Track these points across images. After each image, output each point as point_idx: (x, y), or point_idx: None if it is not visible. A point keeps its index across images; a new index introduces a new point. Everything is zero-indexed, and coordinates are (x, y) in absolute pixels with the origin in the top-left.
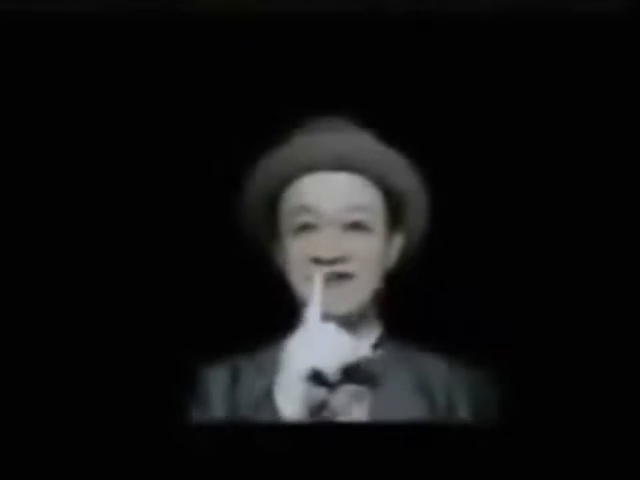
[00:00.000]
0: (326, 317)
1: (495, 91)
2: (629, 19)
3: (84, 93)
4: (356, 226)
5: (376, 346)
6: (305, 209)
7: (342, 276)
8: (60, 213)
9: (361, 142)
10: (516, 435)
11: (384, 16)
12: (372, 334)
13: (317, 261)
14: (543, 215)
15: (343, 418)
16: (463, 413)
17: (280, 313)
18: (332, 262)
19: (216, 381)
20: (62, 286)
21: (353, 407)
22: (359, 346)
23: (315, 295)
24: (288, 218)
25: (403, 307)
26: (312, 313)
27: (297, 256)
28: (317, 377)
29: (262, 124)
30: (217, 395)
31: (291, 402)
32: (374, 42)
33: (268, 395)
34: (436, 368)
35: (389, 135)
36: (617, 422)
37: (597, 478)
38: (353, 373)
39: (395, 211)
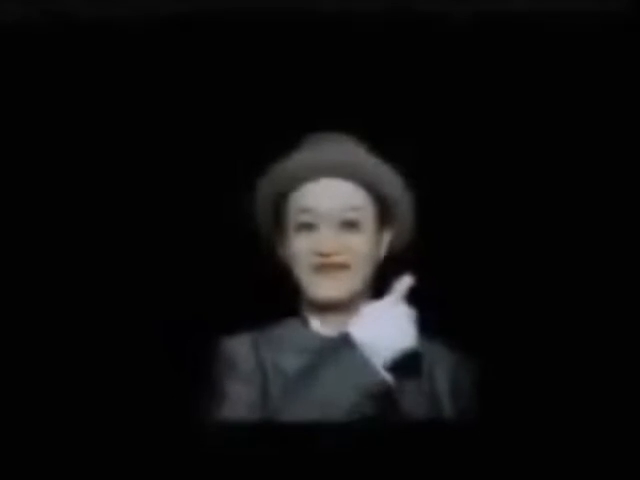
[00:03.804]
0: (325, 301)
1: (495, 92)
2: (629, 19)
3: (92, 99)
4: (350, 224)
5: None
6: (307, 210)
7: (338, 266)
8: (67, 209)
9: (355, 153)
10: (495, 431)
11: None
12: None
13: (318, 254)
14: (525, 209)
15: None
16: (441, 386)
17: (283, 298)
18: (330, 255)
19: (240, 345)
20: (76, 278)
21: None
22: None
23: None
24: (293, 217)
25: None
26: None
27: (301, 249)
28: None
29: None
30: (244, 357)
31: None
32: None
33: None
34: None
35: (378, 146)
36: (602, 419)
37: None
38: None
39: (383, 212)
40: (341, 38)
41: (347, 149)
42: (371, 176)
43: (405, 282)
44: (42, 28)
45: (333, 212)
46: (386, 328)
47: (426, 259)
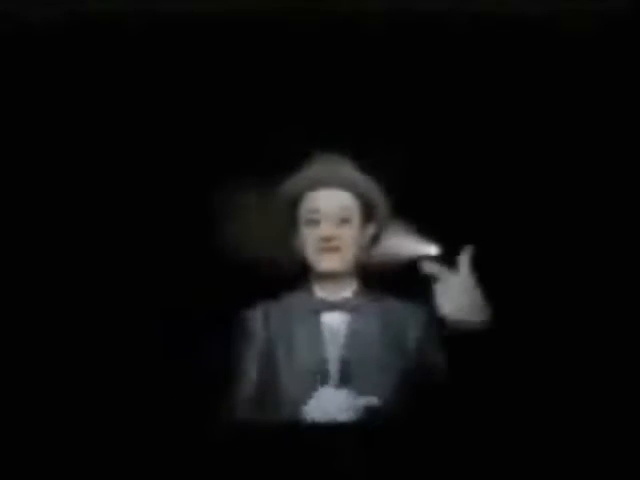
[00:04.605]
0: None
1: (496, 91)
2: (629, 19)
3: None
4: (342, 220)
5: (354, 293)
6: (313, 210)
7: (334, 249)
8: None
9: (347, 170)
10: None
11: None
12: (352, 286)
13: (320, 240)
14: (519, 208)
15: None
16: (411, 334)
17: (294, 274)
18: (328, 240)
19: (254, 316)
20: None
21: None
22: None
23: None
24: (303, 216)
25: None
26: None
27: (309, 237)
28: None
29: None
30: (256, 327)
31: None
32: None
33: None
34: (393, 306)
35: (364, 164)
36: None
37: None
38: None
39: (367, 212)
40: (341, 38)
41: (342, 167)
42: (358, 187)
43: (368, 401)
44: (63, 28)
45: (331, 212)
46: (330, 411)
47: None
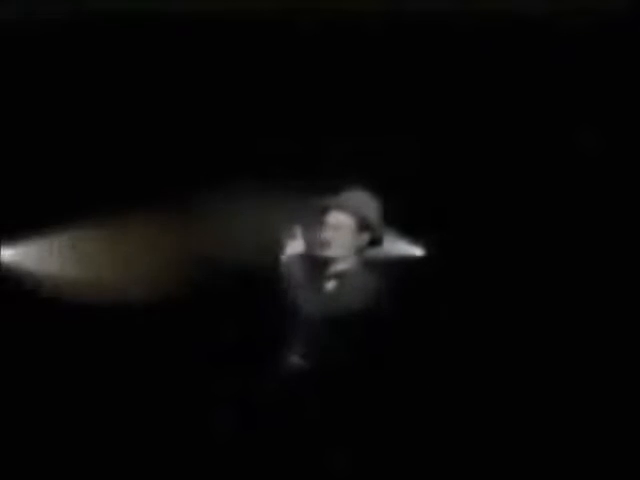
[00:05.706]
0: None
1: (496, 91)
2: (629, 19)
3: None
4: (337, 229)
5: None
6: (325, 223)
7: (328, 244)
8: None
9: (351, 198)
10: None
11: None
12: (348, 262)
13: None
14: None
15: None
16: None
17: None
18: (327, 240)
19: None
20: None
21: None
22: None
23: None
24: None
25: None
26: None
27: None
28: None
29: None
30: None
31: None
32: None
33: None
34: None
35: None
36: None
37: None
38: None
39: (361, 224)
40: (341, 38)
41: (350, 196)
42: (356, 208)
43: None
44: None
45: (332, 225)
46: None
47: None
